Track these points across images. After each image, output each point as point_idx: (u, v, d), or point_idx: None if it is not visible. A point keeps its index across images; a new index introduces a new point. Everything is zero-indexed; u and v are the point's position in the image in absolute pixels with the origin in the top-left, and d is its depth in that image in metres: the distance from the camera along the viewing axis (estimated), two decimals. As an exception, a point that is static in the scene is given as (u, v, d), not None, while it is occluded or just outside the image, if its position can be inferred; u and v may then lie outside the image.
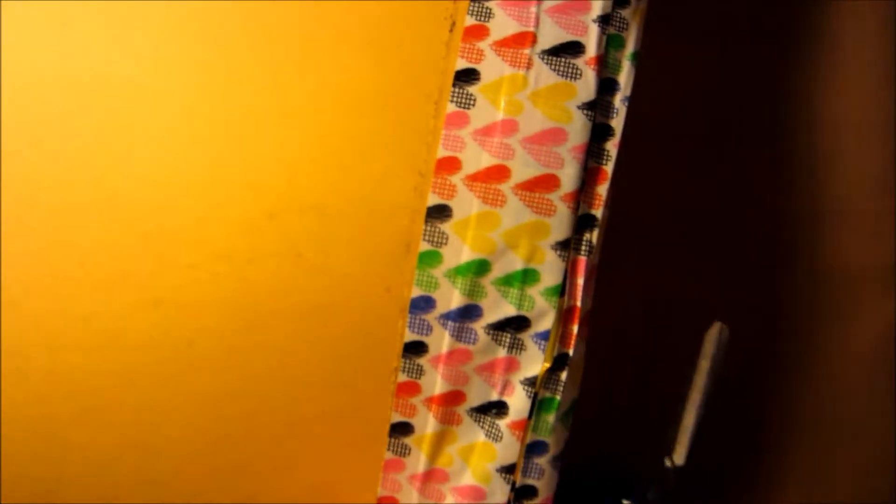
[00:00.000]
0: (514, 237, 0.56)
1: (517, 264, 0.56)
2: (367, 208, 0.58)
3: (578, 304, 0.57)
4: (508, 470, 0.58)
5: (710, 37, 0.71)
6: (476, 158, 0.57)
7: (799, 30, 0.71)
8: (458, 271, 0.57)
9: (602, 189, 0.57)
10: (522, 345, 0.57)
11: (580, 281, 0.57)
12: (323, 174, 0.59)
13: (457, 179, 0.57)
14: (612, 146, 0.58)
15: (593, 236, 0.57)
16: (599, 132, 0.58)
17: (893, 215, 0.72)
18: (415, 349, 0.58)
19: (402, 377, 0.59)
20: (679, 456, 0.65)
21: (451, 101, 0.58)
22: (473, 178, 0.57)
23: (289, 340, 0.59)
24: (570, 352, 0.57)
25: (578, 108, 0.56)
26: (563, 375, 0.58)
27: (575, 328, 0.57)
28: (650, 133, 0.66)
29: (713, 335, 0.63)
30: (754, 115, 0.72)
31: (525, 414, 0.58)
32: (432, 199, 0.57)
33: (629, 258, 0.72)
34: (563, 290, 0.57)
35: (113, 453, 0.61)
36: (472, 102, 0.57)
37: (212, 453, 0.61)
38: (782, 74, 0.74)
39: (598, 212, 0.57)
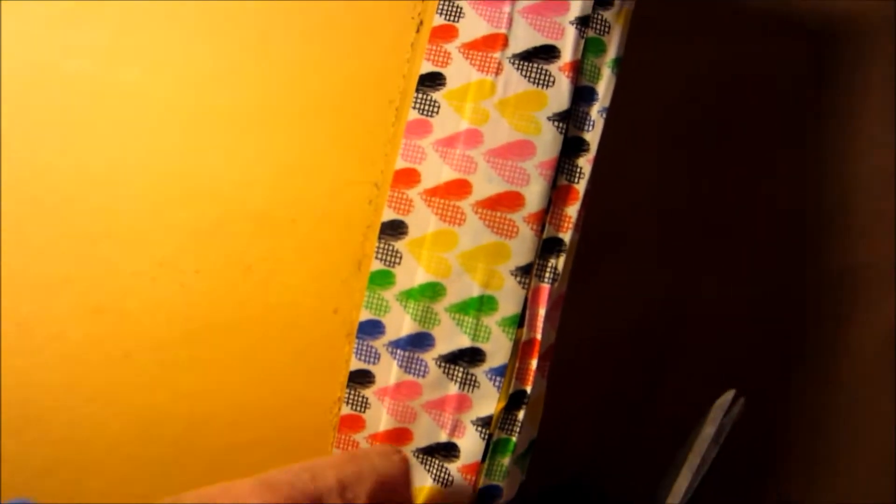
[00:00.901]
0: (472, 260, 0.51)
1: (473, 290, 0.51)
2: (319, 220, 0.53)
3: (538, 336, 0.51)
4: None
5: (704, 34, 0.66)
6: (436, 171, 0.52)
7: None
8: (411, 295, 0.51)
9: (572, 210, 0.51)
10: (476, 381, 0.51)
11: (541, 311, 0.51)
12: (275, 182, 0.54)
13: (414, 194, 0.52)
14: (585, 162, 0.52)
15: (559, 262, 0.51)
16: (572, 146, 0.52)
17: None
18: (360, 378, 0.53)
19: (346, 409, 0.54)
20: None
21: (414, 108, 0.53)
22: (432, 192, 0.52)
23: (228, 358, 0.54)
24: (529, 389, 0.51)
25: (549, 119, 0.50)
26: (521, 415, 0.51)
27: (534, 363, 0.51)
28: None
29: (723, 404, 0.56)
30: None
31: (478, 457, 0.52)
32: (387, 214, 0.52)
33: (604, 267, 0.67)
34: (521, 320, 0.51)
35: (43, 466, 0.57)
36: (435, 110, 0.52)
37: (139, 479, 0.56)
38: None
39: (567, 235, 0.51)
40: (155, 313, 0.56)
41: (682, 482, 0.56)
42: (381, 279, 0.52)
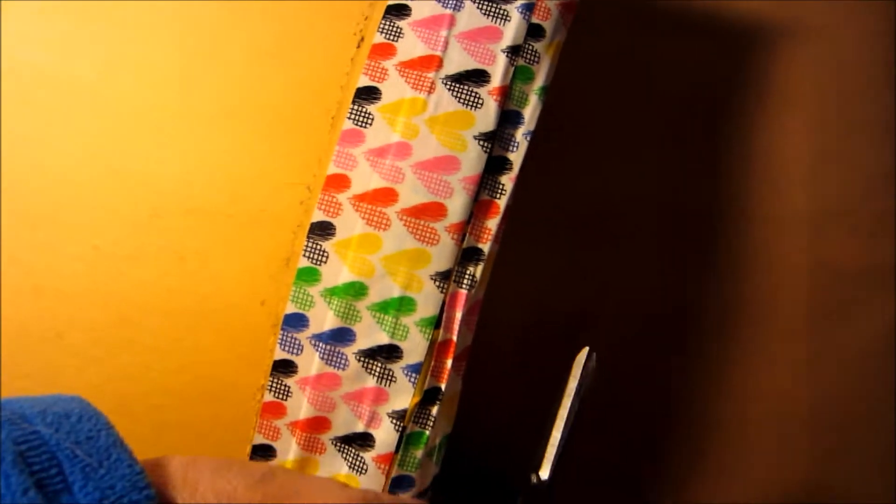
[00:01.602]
0: (394, 263, 0.54)
1: (394, 291, 0.54)
2: (253, 218, 0.56)
3: (454, 337, 0.55)
4: None
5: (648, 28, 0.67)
6: (366, 179, 0.56)
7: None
8: (335, 292, 0.55)
9: (492, 223, 0.56)
10: (392, 376, 0.55)
11: (458, 314, 0.55)
12: (212, 179, 0.57)
13: (344, 198, 0.55)
14: (507, 180, 0.56)
15: (477, 270, 0.55)
16: (496, 164, 0.56)
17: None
18: (284, 368, 0.56)
19: (269, 397, 0.57)
20: (545, 471, 0.63)
21: (349, 118, 0.56)
22: (361, 198, 0.55)
23: (159, 342, 0.57)
24: (443, 386, 0.55)
25: (475, 137, 0.55)
26: (434, 410, 0.55)
27: (449, 362, 0.55)
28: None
29: (581, 360, 0.61)
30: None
31: (391, 448, 0.55)
32: (317, 216, 0.56)
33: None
34: (439, 322, 0.54)
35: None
36: (369, 121, 0.56)
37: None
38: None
39: (486, 246, 0.55)
40: (90, 296, 0.59)
41: (555, 436, 0.61)
42: (308, 276, 0.55)
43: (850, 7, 0.62)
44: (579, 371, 0.61)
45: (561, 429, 0.62)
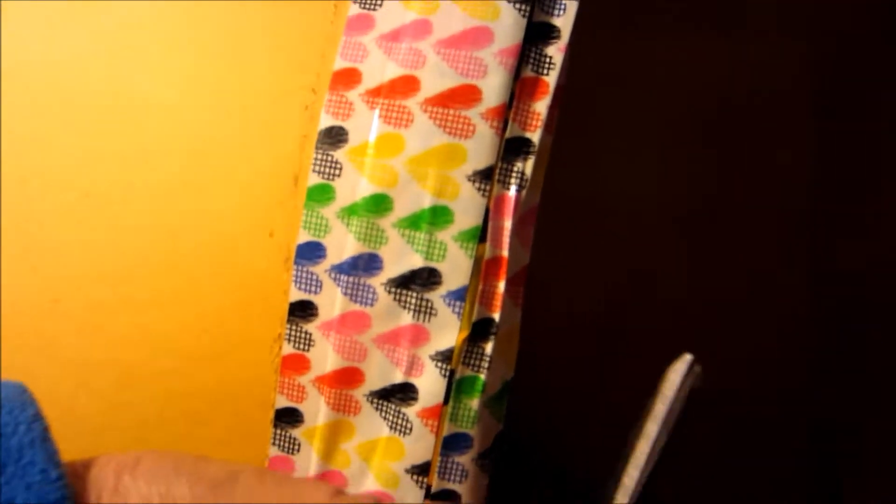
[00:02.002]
0: (422, 165, 0.43)
1: (424, 200, 0.43)
2: (251, 136, 0.47)
3: (505, 253, 0.43)
4: (421, 470, 0.45)
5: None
6: (380, 69, 0.45)
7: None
8: (353, 210, 0.44)
9: (541, 106, 0.44)
10: (432, 308, 0.44)
11: (507, 223, 0.43)
12: (205, 102, 0.48)
13: (355, 95, 0.45)
14: (556, 51, 0.44)
15: (527, 166, 0.43)
16: (539, 32, 0.44)
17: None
18: (302, 311, 0.46)
19: (288, 348, 0.46)
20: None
21: (354, 1, 0.46)
22: (375, 92, 0.45)
23: (160, 298, 0.48)
24: (496, 316, 0.43)
25: (509, 0, 0.43)
26: (489, 348, 0.43)
27: (501, 285, 0.43)
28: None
29: (677, 374, 0.45)
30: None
31: (439, 398, 0.44)
32: (325, 121, 0.45)
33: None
34: (483, 234, 0.43)
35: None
36: (377, 2, 0.45)
37: (72, 435, 0.50)
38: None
39: (535, 134, 0.43)
40: (83, 251, 0.51)
41: (630, 475, 0.46)
42: (320, 194, 0.45)
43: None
44: (674, 388, 0.46)
45: (640, 466, 0.46)
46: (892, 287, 0.57)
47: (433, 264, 0.43)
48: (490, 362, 0.44)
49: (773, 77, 0.56)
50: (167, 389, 0.49)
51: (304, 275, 0.46)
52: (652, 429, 0.44)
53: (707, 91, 0.57)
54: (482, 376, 0.44)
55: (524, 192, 0.44)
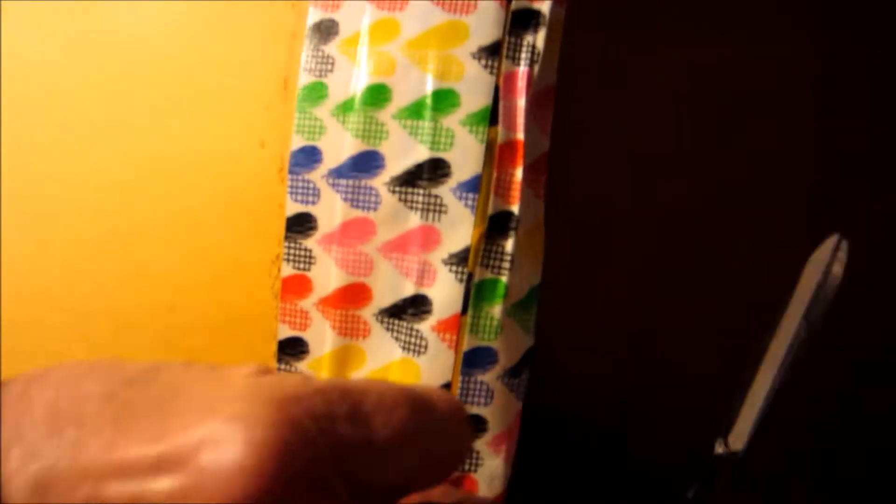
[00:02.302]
0: (421, 48, 0.39)
1: (426, 85, 0.39)
2: (236, 38, 0.43)
3: (520, 136, 0.38)
4: None
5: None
6: (370, -45, 0.41)
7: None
8: (349, 106, 0.40)
9: (549, -28, 0.39)
10: (441, 204, 0.39)
11: (520, 102, 0.38)
12: (186, 17, 0.45)
13: (344, -15, 0.41)
14: (561, -85, 0.39)
15: (538, 39, 0.39)
16: None
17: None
18: (300, 226, 0.41)
19: (287, 269, 0.42)
20: (738, 440, 0.41)
21: None
22: (366, -21, 0.41)
23: (151, 229, 0.44)
24: (515, 209, 0.38)
25: None
26: (509, 245, 0.38)
27: (518, 172, 0.38)
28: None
29: (821, 257, 0.39)
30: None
31: (456, 308, 0.38)
32: (314, 15, 0.42)
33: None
34: (494, 115, 0.38)
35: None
36: None
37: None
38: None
39: (544, 4, 0.39)
40: (69, 185, 0.47)
41: (759, 389, 0.40)
42: (312, 93, 0.41)
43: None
44: (818, 272, 0.38)
45: (770, 378, 0.39)
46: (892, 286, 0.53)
47: (440, 154, 0.39)
48: (512, 262, 0.38)
49: (773, 77, 0.52)
50: (166, 327, 0.44)
51: (300, 184, 0.41)
52: (792, 319, 0.37)
53: (707, 91, 0.53)
54: (504, 279, 0.38)
55: (537, 68, 0.39)
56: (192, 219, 0.43)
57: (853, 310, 0.44)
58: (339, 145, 0.40)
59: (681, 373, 0.57)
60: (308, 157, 0.41)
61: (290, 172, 0.41)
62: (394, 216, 0.40)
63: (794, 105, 0.53)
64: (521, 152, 0.38)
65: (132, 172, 0.45)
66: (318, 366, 0.42)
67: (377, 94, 0.39)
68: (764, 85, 0.55)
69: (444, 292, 0.39)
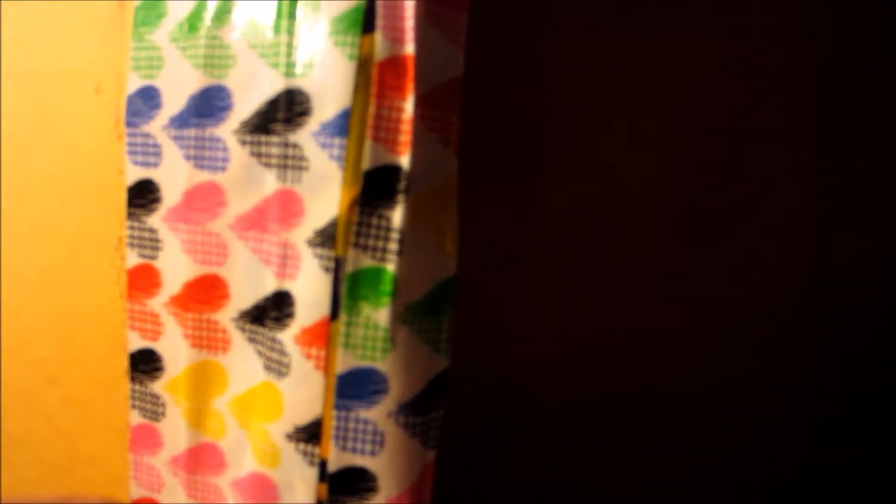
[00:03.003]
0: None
1: (280, -16, 0.26)
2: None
3: (409, 49, 0.25)
4: (307, 434, 0.27)
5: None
6: None
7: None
8: (191, 25, 0.28)
9: None
10: (301, 157, 0.26)
11: (408, 17, 0.25)
12: None
13: None
14: None
15: None
16: None
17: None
18: (142, 197, 0.31)
19: (133, 257, 0.31)
20: None
21: None
22: None
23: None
24: (404, 161, 0.25)
25: None
26: (396, 216, 0.25)
27: (407, 105, 0.25)
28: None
29: None
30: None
31: (324, 309, 0.26)
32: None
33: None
34: (370, 22, 0.25)
35: None
36: None
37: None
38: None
39: None
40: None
41: None
42: (147, 15, 0.29)
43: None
44: None
45: None
46: (892, 286, 0.54)
47: (297, 82, 0.26)
48: (401, 242, 0.25)
49: (773, 77, 0.52)
50: (7, 335, 0.35)
51: (139, 140, 0.30)
52: None
53: (707, 91, 0.51)
54: (389, 267, 0.25)
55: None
56: (25, 197, 0.34)
57: (853, 309, 0.51)
58: (180, 81, 0.29)
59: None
60: (146, 100, 0.30)
61: (128, 124, 0.30)
62: (246, 178, 0.28)
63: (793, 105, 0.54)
64: (411, 74, 0.25)
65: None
66: (175, 387, 0.31)
67: (222, 11, 0.27)
68: (763, 84, 0.53)
69: (309, 286, 0.26)
